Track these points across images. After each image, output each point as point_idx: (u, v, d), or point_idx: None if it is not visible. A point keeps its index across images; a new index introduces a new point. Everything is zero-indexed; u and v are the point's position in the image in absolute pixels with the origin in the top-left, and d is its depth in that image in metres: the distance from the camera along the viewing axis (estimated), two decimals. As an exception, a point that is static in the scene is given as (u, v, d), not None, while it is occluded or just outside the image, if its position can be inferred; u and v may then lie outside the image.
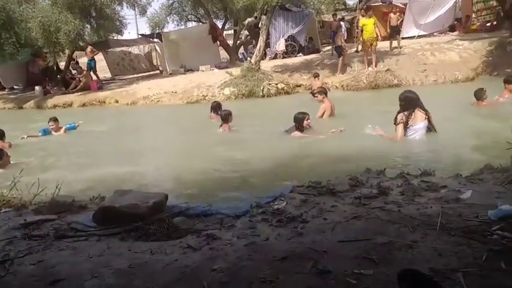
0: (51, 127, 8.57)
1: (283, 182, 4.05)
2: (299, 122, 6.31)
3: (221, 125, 7.29)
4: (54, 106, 15.58)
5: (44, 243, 2.32)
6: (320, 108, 7.65)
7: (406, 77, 12.33)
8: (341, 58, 14.00)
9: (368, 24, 13.22)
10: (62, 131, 8.71)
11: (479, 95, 7.30)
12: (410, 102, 5.41)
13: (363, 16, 14.13)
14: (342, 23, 16.82)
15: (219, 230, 2.55)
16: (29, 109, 15.93)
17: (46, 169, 5.63)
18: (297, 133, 6.31)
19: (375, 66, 13.11)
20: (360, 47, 15.13)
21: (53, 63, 19.64)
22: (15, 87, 20.50)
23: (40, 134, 8.50)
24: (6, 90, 20.45)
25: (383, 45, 14.84)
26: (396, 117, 5.44)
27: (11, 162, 5.88)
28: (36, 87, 17.75)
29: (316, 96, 7.93)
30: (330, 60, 15.20)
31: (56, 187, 3.58)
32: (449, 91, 10.69)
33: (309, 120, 6.37)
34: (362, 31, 13.57)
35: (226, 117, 7.29)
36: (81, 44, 17.55)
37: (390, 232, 2.28)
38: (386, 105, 9.48)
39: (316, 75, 12.62)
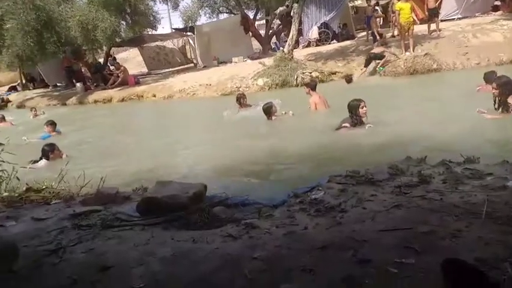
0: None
1: (320, 171, 4.02)
2: (354, 110, 5.73)
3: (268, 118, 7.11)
4: (95, 102, 16.16)
5: (92, 232, 2.43)
6: (309, 102, 7.50)
7: (446, 60, 11.83)
8: (375, 44, 13.64)
9: (405, 8, 12.78)
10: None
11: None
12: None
13: (398, 0, 13.67)
14: (377, 7, 16.36)
15: (258, 219, 2.58)
16: (72, 105, 16.59)
17: (88, 162, 5.85)
18: (342, 130, 5.84)
19: (413, 51, 12.69)
20: (396, 32, 14.68)
21: (92, 60, 20.31)
22: (58, 84, 21.40)
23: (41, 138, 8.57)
24: (50, 87, 21.41)
25: (421, 28, 14.30)
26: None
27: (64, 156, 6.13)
28: (78, 84, 18.46)
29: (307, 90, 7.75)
30: (366, 46, 14.84)
31: (101, 179, 3.75)
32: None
33: (365, 108, 5.75)
34: (398, 15, 13.13)
35: (268, 110, 7.09)
36: (117, 40, 18.03)
37: (432, 221, 2.23)
38: (426, 91, 9.25)
39: (348, 81, 12.10)
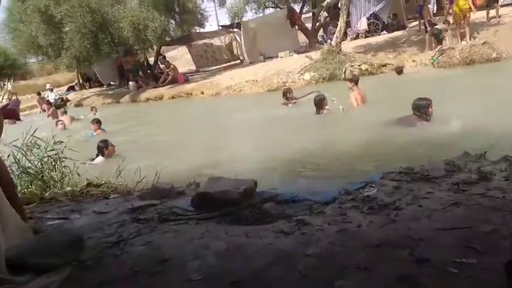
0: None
1: (372, 168, 3.94)
2: (423, 109, 5.55)
3: (318, 111, 7.07)
4: (147, 100, 16.78)
5: (150, 226, 2.54)
6: (350, 97, 7.41)
7: (507, 49, 11.12)
8: (427, 33, 13.09)
9: None
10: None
11: None
12: None
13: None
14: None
15: (309, 216, 2.57)
16: (125, 103, 17.32)
17: (141, 159, 6.09)
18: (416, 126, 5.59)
19: (470, 40, 12.04)
20: (451, 20, 13.99)
21: (144, 59, 21.05)
22: (111, 83, 22.41)
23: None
24: (104, 86, 22.47)
25: (479, 15, 13.51)
26: None
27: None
28: (130, 83, 19.24)
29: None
30: (418, 36, 14.27)
31: (155, 175, 3.92)
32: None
33: (434, 107, 5.60)
34: (452, 2, 12.51)
35: (319, 103, 7.03)
36: (167, 39, 18.56)
37: (494, 220, 2.12)
38: (483, 82, 8.75)
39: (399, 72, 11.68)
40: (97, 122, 9.33)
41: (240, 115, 10.00)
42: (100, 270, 2.02)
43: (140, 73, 20.76)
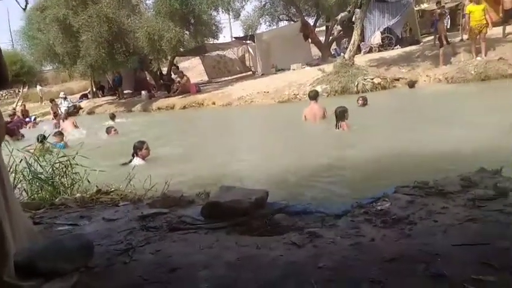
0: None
1: (385, 181, 3.88)
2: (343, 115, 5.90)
3: (338, 124, 6.77)
4: (159, 109, 16.91)
5: (159, 234, 2.52)
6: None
7: (522, 65, 11.01)
8: (441, 48, 13.03)
9: (476, 11, 12.08)
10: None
11: None
12: None
13: (470, 1, 12.94)
14: (445, 10, 15.64)
15: (320, 228, 2.53)
16: (137, 112, 17.48)
17: (151, 167, 6.09)
18: None
19: (485, 56, 11.94)
20: (465, 36, 13.91)
21: (157, 69, 21.31)
22: (125, 92, 22.68)
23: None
24: (117, 95, 22.73)
25: (495, 31, 13.42)
26: None
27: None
28: (143, 92, 19.46)
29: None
30: (432, 51, 14.20)
31: (165, 183, 3.90)
32: None
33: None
34: (468, 18, 12.45)
35: (342, 115, 6.70)
36: (181, 49, 18.76)
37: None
38: (497, 98, 8.64)
39: (411, 85, 11.76)
40: (59, 134, 9.21)
41: (253, 125, 10.03)
42: (108, 278, 2.00)
43: (153, 82, 21.03)
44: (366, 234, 2.29)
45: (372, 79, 12.39)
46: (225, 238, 2.38)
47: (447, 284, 1.69)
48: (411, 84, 11.50)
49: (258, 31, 22.36)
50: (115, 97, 22.46)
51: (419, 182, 3.10)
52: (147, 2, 19.84)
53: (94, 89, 25.61)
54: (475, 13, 12.15)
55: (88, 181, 4.19)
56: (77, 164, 4.32)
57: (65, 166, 4.25)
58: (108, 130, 9.93)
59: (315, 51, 20.66)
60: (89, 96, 25.47)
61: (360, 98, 9.43)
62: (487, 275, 1.73)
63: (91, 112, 20.27)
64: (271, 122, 10.21)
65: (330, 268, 1.89)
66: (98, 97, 24.57)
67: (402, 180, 3.38)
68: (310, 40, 19.97)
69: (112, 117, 13.49)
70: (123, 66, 19.06)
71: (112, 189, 3.97)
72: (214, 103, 15.29)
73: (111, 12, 16.79)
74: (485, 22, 12.02)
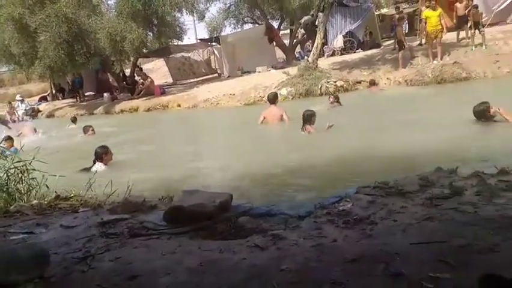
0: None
1: (347, 182, 3.95)
2: (484, 113, 5.78)
3: (304, 127, 6.75)
4: (122, 111, 16.50)
5: (120, 241, 2.45)
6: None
7: (476, 69, 11.54)
8: (400, 52, 13.47)
9: (432, 17, 12.57)
10: None
11: None
12: None
13: (427, 7, 13.46)
14: (404, 15, 16.19)
15: (284, 230, 2.54)
16: (99, 115, 16.99)
17: (113, 172, 5.92)
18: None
19: (441, 59, 12.44)
20: (423, 40, 14.46)
21: (120, 71, 20.81)
22: (86, 94, 21.99)
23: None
24: (78, 98, 22.01)
25: (450, 36, 14.01)
26: None
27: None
28: (105, 94, 18.94)
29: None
30: (392, 54, 14.65)
31: (127, 188, 3.80)
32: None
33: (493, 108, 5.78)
34: (425, 23, 12.94)
35: (309, 118, 6.71)
36: (144, 51, 18.42)
37: (467, 234, 2.14)
38: (452, 101, 9.02)
39: (372, 82, 12.14)
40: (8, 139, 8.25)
41: (217, 128, 9.98)
42: (64, 288, 1.92)
43: (115, 84, 20.53)
44: (329, 235, 2.32)
45: (335, 82, 12.65)
46: (188, 243, 2.34)
47: (405, 283, 1.74)
48: (373, 83, 11.89)
49: (223, 33, 22.31)
50: (75, 100, 21.76)
51: (379, 182, 3.19)
52: (108, 2, 19.45)
53: (54, 92, 24.71)
54: (431, 19, 12.67)
55: (47, 187, 4.00)
56: (34, 170, 4.12)
57: (20, 172, 4.05)
58: (85, 129, 9.60)
59: (279, 54, 20.85)
60: (49, 98, 24.53)
61: (332, 96, 9.52)
62: (444, 273, 1.79)
63: (50, 115, 19.52)
64: (237, 125, 10.19)
65: (293, 270, 1.89)
66: (58, 99, 23.71)
67: (365, 180, 3.46)
68: (275, 43, 20.13)
69: (74, 120, 13.05)
70: (84, 67, 18.48)
71: (72, 195, 3.83)
72: (179, 105, 15.10)
73: (70, 12, 16.24)
74: (440, 27, 12.56)
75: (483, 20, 13.64)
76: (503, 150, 4.79)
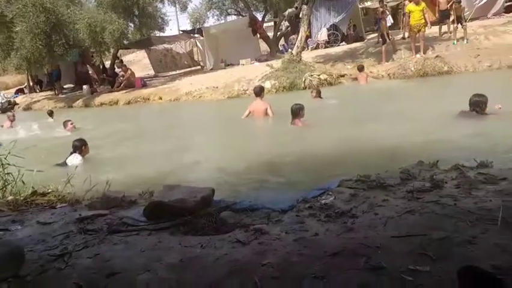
0: None
1: (329, 175, 3.95)
2: (483, 104, 5.74)
3: (293, 120, 6.68)
4: (101, 104, 16.20)
5: (98, 237, 2.40)
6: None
7: (457, 63, 11.71)
8: (384, 46, 13.56)
9: (415, 11, 12.66)
10: None
11: None
12: None
13: (410, 1, 13.55)
14: (388, 9, 16.29)
15: (266, 224, 2.53)
16: (78, 107, 16.66)
17: (94, 166, 5.82)
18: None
19: (424, 53, 12.58)
20: (406, 34, 14.59)
21: (100, 62, 20.40)
22: (65, 86, 21.52)
23: None
24: (56, 90, 21.52)
25: (432, 30, 14.15)
26: None
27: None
28: (84, 87, 18.55)
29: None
30: (375, 48, 14.74)
31: (106, 183, 3.72)
32: (505, 76, 10.05)
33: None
34: (408, 17, 13.04)
35: (297, 111, 6.64)
36: (125, 42, 18.09)
37: (446, 227, 2.17)
38: (435, 94, 9.15)
39: (360, 68, 12.20)
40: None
41: (200, 121, 9.88)
42: (40, 286, 1.86)
43: (95, 76, 20.13)
44: (310, 229, 2.31)
45: (319, 75, 12.63)
46: (168, 239, 2.30)
47: (386, 276, 1.74)
48: (361, 68, 11.93)
49: (206, 25, 22.09)
50: (54, 92, 21.26)
51: (361, 176, 3.20)
52: (88, -8, 18.96)
53: (31, 84, 24.09)
54: (414, 13, 12.75)
55: (23, 182, 3.89)
56: (9, 164, 4.00)
57: (-5, 166, 3.92)
58: (65, 124, 9.37)
59: (263, 47, 20.74)
60: (26, 91, 23.91)
61: (314, 90, 9.46)
62: (424, 265, 1.80)
63: (27, 108, 19.04)
64: (220, 118, 10.12)
65: (274, 265, 1.88)
66: (36, 92, 23.11)
67: (349, 173, 3.46)
68: (258, 35, 20.02)
69: (50, 114, 12.75)
70: (62, 59, 18.02)
71: (49, 190, 3.73)
72: (160, 98, 14.88)
73: (48, 1, 15.80)
74: (423, 22, 12.67)
75: (465, 14, 13.83)
76: (485, 143, 4.88)
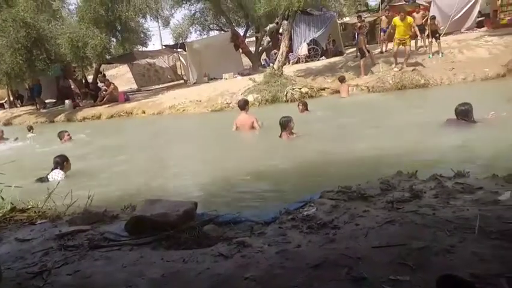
0: None
1: (312, 187, 3.99)
2: (470, 113, 5.91)
3: (281, 133, 6.76)
4: (84, 119, 16.02)
5: (79, 253, 2.36)
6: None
7: (433, 76, 12.03)
8: (362, 60, 13.84)
9: (399, 26, 12.99)
10: None
11: None
12: None
13: (392, 17, 13.94)
14: (366, 24, 16.67)
15: (249, 237, 2.53)
16: (60, 122, 16.42)
17: (75, 181, 5.74)
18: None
19: (406, 66, 12.86)
20: (384, 48, 14.93)
21: (82, 77, 20.21)
22: (46, 101, 21.22)
23: None
24: (37, 105, 21.19)
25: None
26: None
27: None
28: (66, 101, 18.34)
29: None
30: (354, 62, 15.02)
31: (88, 198, 3.67)
32: (479, 89, 10.37)
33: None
34: (394, 30, 13.38)
35: (285, 124, 6.71)
36: (107, 57, 18.00)
37: (425, 236, 2.21)
38: (413, 106, 9.36)
39: (342, 79, 12.40)
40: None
41: (184, 135, 9.84)
42: (18, 305, 1.82)
43: (77, 91, 19.93)
44: (293, 241, 2.32)
45: (300, 89, 12.81)
46: (150, 254, 2.28)
47: (367, 287, 1.76)
48: (342, 79, 12.10)
49: (188, 40, 22.15)
50: (35, 107, 20.94)
51: (342, 187, 3.24)
52: (70, 7, 18.83)
53: (12, 99, 23.69)
54: (399, 28, 13.07)
55: (2, 198, 3.80)
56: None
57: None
58: (61, 135, 9.09)
59: (246, 61, 20.92)
60: (6, 106, 23.50)
61: (300, 104, 9.41)
62: (404, 275, 1.83)
63: (7, 123, 18.67)
64: (204, 131, 10.11)
65: (257, 278, 1.88)
66: (17, 107, 22.73)
67: (331, 184, 3.50)
68: (241, 50, 20.20)
69: (30, 129, 12.52)
70: (44, 74, 17.81)
71: (29, 206, 3.66)
72: (144, 112, 14.81)
73: (29, 16, 15.67)
74: (408, 36, 13.02)
75: (439, 29, 14.25)
76: (464, 152, 5.00)
